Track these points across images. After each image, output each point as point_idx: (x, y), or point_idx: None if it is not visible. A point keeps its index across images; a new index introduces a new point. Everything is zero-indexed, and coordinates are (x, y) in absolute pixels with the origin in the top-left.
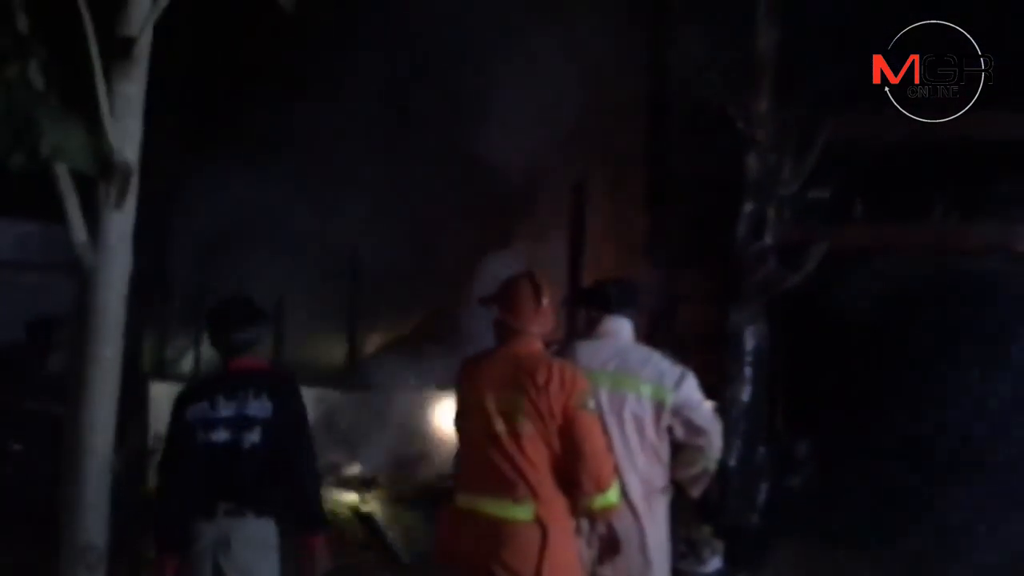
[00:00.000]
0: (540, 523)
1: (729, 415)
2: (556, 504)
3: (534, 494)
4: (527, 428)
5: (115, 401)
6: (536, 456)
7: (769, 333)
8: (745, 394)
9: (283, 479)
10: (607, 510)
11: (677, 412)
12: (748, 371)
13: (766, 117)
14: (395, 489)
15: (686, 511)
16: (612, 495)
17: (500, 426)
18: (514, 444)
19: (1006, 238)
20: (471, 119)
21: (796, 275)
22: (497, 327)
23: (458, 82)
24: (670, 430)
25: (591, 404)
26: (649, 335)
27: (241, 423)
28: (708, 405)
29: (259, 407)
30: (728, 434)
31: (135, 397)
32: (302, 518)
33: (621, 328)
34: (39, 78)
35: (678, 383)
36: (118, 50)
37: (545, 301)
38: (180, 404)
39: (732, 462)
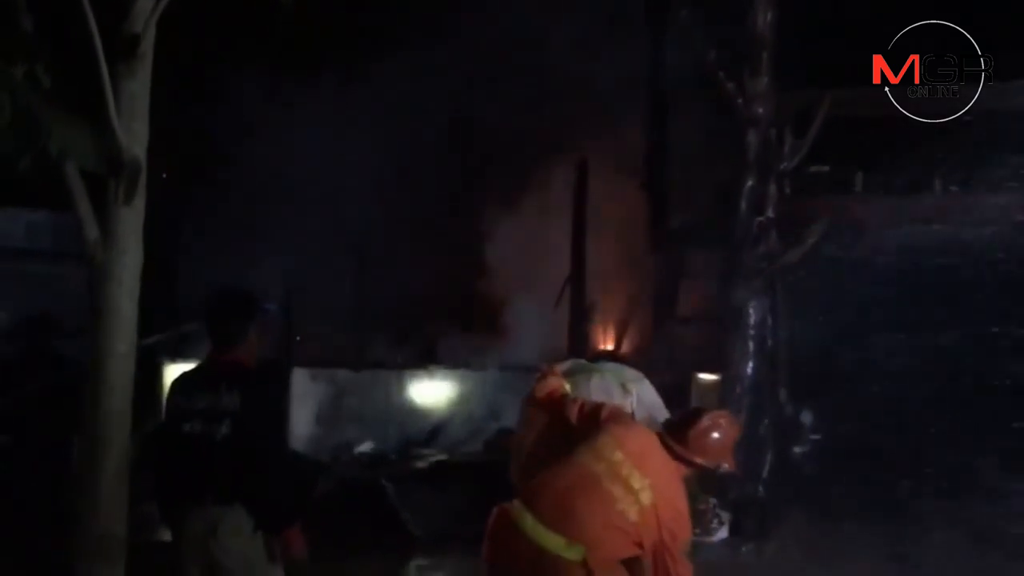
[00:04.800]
0: (587, 568)
1: (733, 389)
2: (609, 557)
3: (590, 543)
4: (633, 512)
5: (130, 393)
6: (613, 518)
7: (771, 307)
8: (748, 368)
9: (253, 471)
10: None
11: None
12: (751, 345)
13: (766, 94)
14: (407, 465)
15: (691, 483)
16: None
17: (604, 478)
18: (600, 497)
19: (1005, 208)
20: (475, 98)
21: (797, 249)
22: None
23: (463, 66)
24: None
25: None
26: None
27: (214, 415)
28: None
29: (230, 400)
30: (733, 407)
31: (149, 380)
32: (270, 510)
33: None
34: (45, 79)
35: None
36: (123, 48)
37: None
38: (169, 393)
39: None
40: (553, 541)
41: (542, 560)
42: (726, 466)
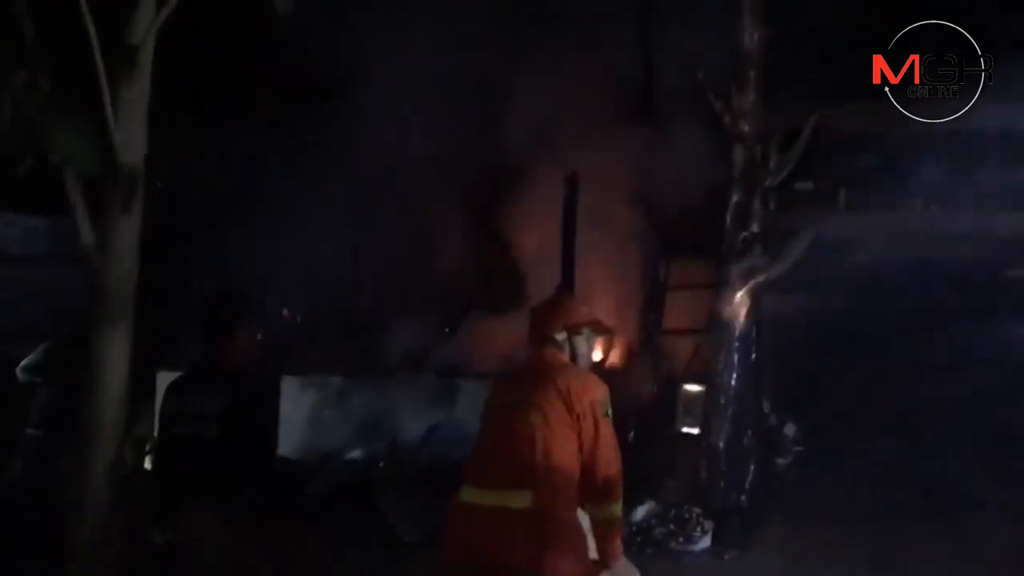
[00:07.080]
0: (539, 511)
1: (717, 400)
2: (560, 494)
3: (535, 484)
4: (542, 420)
5: (124, 395)
6: (547, 448)
7: (756, 320)
8: (733, 379)
9: (240, 473)
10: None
11: None
12: (735, 357)
13: (752, 111)
14: (396, 471)
15: (677, 491)
16: (616, 508)
17: (518, 418)
18: (527, 435)
19: (985, 225)
20: (464, 114)
21: (781, 264)
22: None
23: (451, 77)
24: None
25: (609, 412)
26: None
27: (203, 417)
28: None
29: (219, 402)
30: (717, 418)
31: (142, 386)
32: (257, 511)
33: None
34: (45, 85)
35: None
36: (122, 58)
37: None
38: (164, 396)
39: (721, 444)
40: (493, 497)
41: (493, 522)
42: (585, 310)
